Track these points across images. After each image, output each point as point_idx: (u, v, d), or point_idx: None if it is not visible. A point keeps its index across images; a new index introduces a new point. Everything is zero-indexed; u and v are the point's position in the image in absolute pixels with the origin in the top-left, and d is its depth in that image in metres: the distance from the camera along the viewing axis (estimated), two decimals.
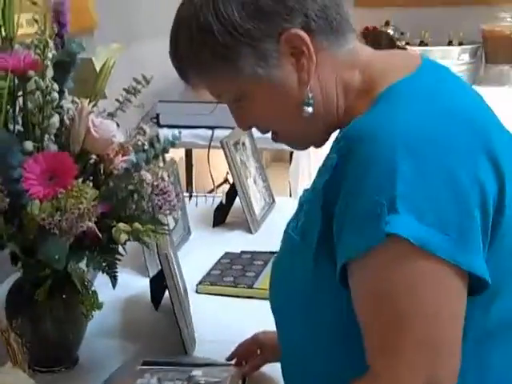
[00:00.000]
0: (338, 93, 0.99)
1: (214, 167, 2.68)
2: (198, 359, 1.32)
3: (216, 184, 2.49)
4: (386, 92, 0.93)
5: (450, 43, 4.43)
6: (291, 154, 3.05)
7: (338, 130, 1.02)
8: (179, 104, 2.62)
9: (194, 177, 2.84)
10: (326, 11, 0.95)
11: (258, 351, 1.29)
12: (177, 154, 2.54)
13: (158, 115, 2.47)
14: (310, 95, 0.96)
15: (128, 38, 2.55)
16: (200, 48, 0.96)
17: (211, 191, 2.33)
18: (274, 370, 1.24)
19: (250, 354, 1.28)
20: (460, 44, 3.90)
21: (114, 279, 1.17)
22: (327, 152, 0.97)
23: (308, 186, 1.06)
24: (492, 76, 3.87)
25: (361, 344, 0.89)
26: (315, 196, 0.95)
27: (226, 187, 2.33)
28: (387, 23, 3.85)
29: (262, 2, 0.93)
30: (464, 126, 0.88)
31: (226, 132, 2.46)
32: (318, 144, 1.05)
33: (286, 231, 1.05)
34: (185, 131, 2.49)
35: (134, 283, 1.67)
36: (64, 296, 1.29)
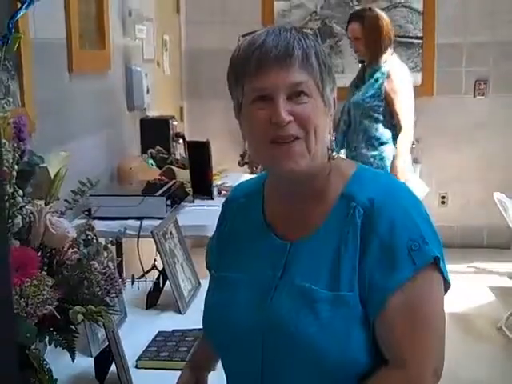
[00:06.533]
0: None
1: (140, 254, 2.88)
2: None
3: (145, 270, 2.69)
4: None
5: None
6: None
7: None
8: (109, 197, 2.83)
9: (124, 265, 3.03)
10: None
11: None
12: None
13: (89, 209, 2.67)
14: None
15: (61, 138, 2.78)
16: None
17: (141, 277, 2.53)
18: None
19: None
20: None
21: (72, 354, 1.37)
22: None
23: None
24: None
25: None
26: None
27: (154, 273, 2.54)
28: None
29: None
30: None
31: (153, 222, 2.69)
32: None
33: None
34: (114, 222, 2.72)
35: (78, 363, 1.85)
36: (22, 373, 1.47)
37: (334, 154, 1.31)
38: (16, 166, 1.37)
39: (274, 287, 1.28)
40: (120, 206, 2.81)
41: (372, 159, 3.87)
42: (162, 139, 3.80)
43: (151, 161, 3.63)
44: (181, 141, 3.93)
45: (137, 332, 2.08)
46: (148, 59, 4.23)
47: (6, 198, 1.38)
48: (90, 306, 1.39)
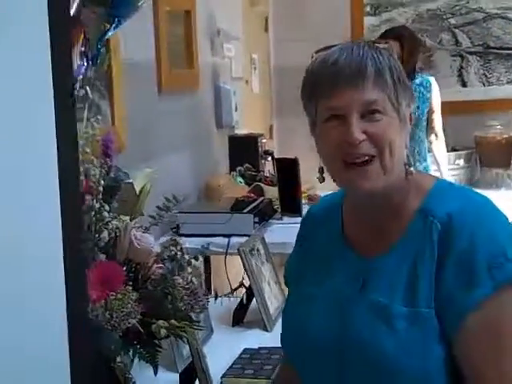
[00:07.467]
0: None
1: (229, 271, 2.89)
2: None
3: (233, 287, 2.69)
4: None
5: None
6: None
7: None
8: (197, 214, 2.86)
9: (212, 281, 3.04)
10: None
11: None
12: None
13: (177, 225, 2.70)
14: None
15: (151, 155, 2.84)
16: None
17: (228, 294, 2.53)
18: None
19: None
20: (453, 150, 4.20)
21: (155, 368, 1.38)
22: None
23: None
24: (488, 179, 4.13)
25: None
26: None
27: (242, 290, 2.54)
28: None
29: None
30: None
31: (241, 239, 2.69)
32: None
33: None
34: (202, 239, 2.73)
35: (163, 378, 1.86)
36: None
37: (411, 168, 1.28)
38: (102, 182, 1.40)
39: (351, 302, 1.28)
40: (208, 223, 2.83)
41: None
42: (250, 156, 3.82)
43: (240, 178, 3.65)
44: (269, 158, 3.93)
45: (223, 348, 2.08)
46: (236, 77, 4.27)
47: (93, 213, 1.41)
48: (172, 321, 1.39)
